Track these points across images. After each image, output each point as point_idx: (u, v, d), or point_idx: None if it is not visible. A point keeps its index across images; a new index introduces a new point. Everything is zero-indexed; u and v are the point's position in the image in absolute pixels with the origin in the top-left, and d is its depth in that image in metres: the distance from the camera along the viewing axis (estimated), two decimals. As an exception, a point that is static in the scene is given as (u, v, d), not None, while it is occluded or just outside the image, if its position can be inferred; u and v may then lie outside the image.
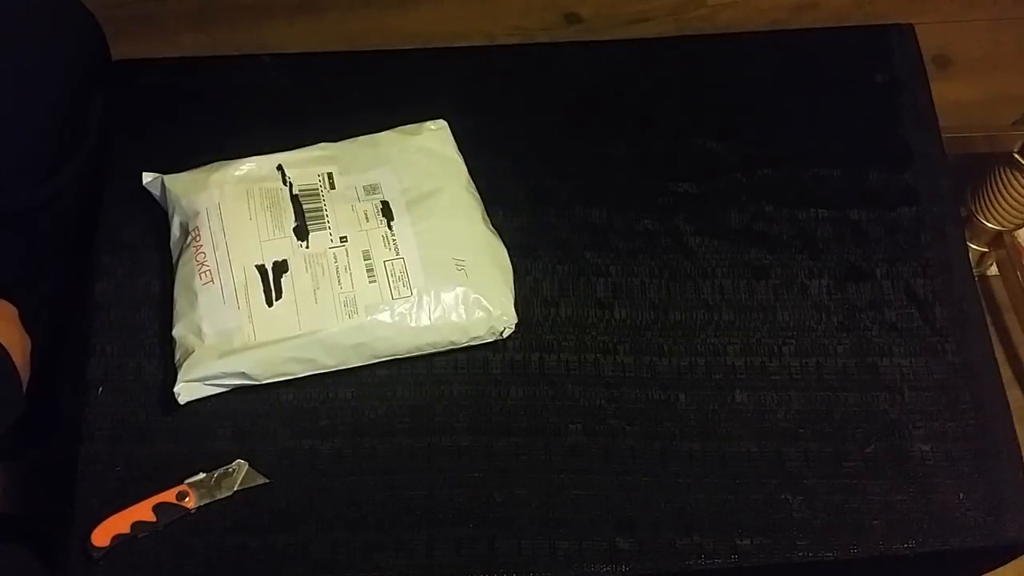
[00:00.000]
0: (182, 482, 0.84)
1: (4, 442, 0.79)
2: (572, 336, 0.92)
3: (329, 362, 0.86)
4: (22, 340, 0.85)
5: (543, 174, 0.99)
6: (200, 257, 0.87)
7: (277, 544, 0.83)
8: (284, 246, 0.87)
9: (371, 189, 0.91)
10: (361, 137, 0.95)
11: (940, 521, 0.86)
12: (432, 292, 0.87)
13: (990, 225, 1.33)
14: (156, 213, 0.93)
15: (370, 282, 0.86)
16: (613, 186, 0.99)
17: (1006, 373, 1.32)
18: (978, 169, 1.33)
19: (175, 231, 0.90)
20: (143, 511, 0.82)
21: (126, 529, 0.82)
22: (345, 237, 0.88)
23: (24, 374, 0.84)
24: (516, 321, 0.90)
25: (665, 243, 0.97)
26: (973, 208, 1.34)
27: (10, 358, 0.80)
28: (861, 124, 1.03)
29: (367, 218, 0.89)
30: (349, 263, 0.87)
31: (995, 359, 0.94)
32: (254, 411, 0.87)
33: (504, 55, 1.12)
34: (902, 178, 1.00)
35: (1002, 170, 1.27)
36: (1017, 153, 1.24)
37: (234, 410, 0.87)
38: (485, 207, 0.94)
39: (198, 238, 0.88)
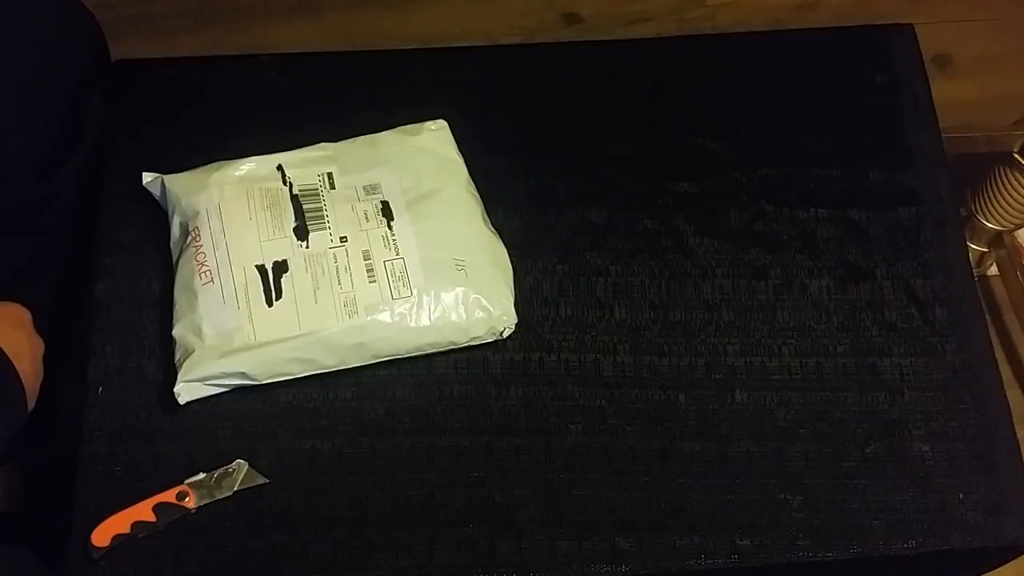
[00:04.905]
0: (182, 482, 0.84)
1: (4, 446, 0.78)
2: (572, 336, 0.92)
3: (329, 362, 0.86)
4: (31, 345, 0.83)
5: (543, 174, 0.99)
6: (200, 257, 0.87)
7: (277, 544, 0.83)
8: (284, 246, 0.87)
9: (371, 189, 0.91)
10: (361, 137, 0.95)
11: (940, 521, 0.86)
12: (432, 292, 0.87)
13: (990, 225, 1.33)
14: (156, 213, 0.93)
15: (370, 282, 0.86)
16: (613, 186, 0.99)
17: (1006, 373, 1.32)
18: (978, 169, 1.33)
19: (175, 231, 0.90)
20: (143, 511, 0.82)
21: (126, 529, 0.82)
22: (345, 237, 0.88)
23: (36, 378, 0.83)
24: (516, 321, 0.90)
25: (665, 243, 0.97)
26: (973, 208, 1.34)
27: (13, 368, 0.79)
28: (861, 124, 1.03)
29: (367, 218, 0.89)
30: (349, 263, 0.87)
31: (995, 359, 0.94)
32: (254, 411, 0.87)
33: (504, 55, 1.12)
34: (902, 178, 1.00)
35: (1002, 170, 1.27)
36: (1017, 153, 1.24)
37: (234, 410, 0.87)
38: (485, 207, 0.94)
39: (198, 238, 0.88)
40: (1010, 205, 1.29)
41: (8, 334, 0.81)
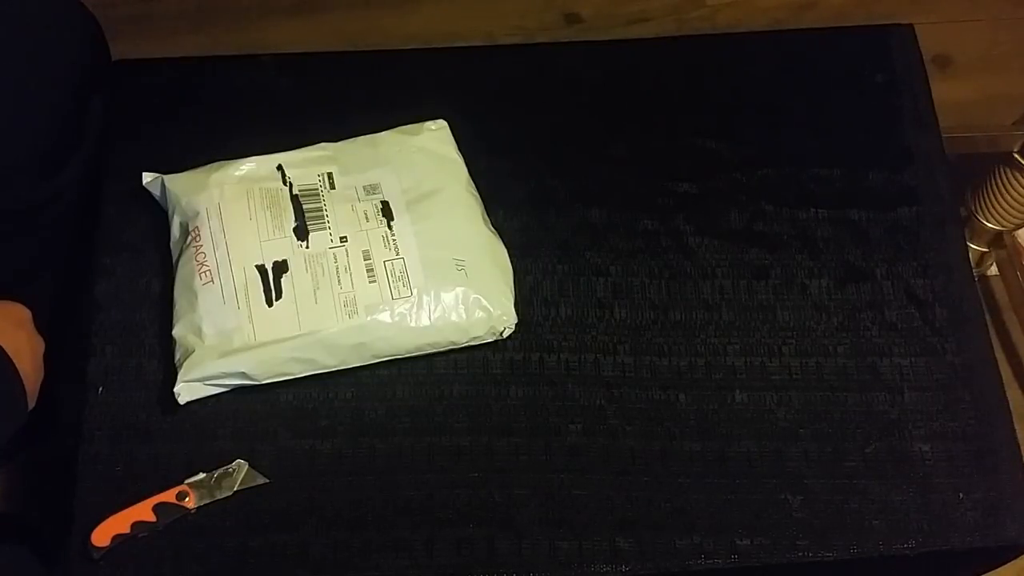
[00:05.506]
0: (182, 482, 0.84)
1: (4, 446, 0.78)
2: (572, 336, 0.92)
3: (329, 362, 0.87)
4: (31, 344, 0.83)
5: (543, 174, 0.99)
6: (200, 257, 0.87)
7: (277, 544, 0.83)
8: (284, 246, 0.87)
9: (371, 189, 0.91)
10: (361, 137, 0.95)
11: (940, 521, 0.86)
12: (432, 292, 0.87)
13: (990, 225, 1.33)
14: (156, 213, 0.93)
15: (370, 282, 0.86)
16: (613, 186, 0.99)
17: (1006, 373, 1.32)
18: (978, 169, 1.33)
19: (175, 231, 0.90)
20: (143, 511, 0.82)
21: (126, 529, 0.82)
22: (345, 237, 0.88)
23: (36, 377, 0.83)
24: (516, 321, 0.90)
25: (665, 243, 0.97)
26: (973, 208, 1.34)
27: (13, 366, 0.79)
28: (861, 124, 1.03)
29: (367, 218, 0.89)
30: (349, 263, 0.87)
31: (995, 359, 0.94)
32: (254, 411, 0.87)
33: (504, 55, 1.12)
34: (902, 178, 1.00)
35: (1002, 170, 1.27)
36: (1017, 153, 1.24)
37: (234, 410, 0.87)
38: (485, 207, 0.94)
39: (198, 238, 0.88)
40: (1010, 205, 1.29)
41: (8, 332, 0.81)
